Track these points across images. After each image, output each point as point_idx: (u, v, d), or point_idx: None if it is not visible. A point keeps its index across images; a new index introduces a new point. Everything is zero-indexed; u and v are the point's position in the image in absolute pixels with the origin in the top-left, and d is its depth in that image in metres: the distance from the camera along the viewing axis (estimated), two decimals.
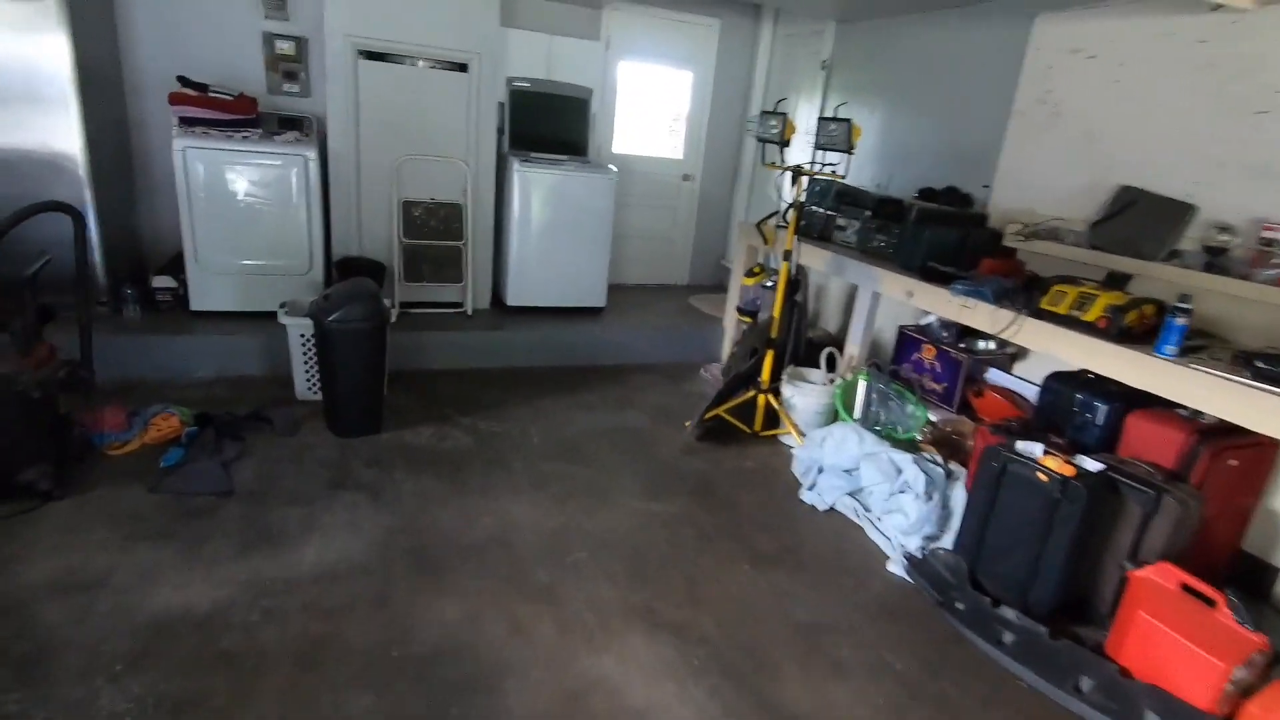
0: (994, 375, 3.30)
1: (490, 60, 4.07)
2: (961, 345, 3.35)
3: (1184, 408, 2.32)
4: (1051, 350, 2.50)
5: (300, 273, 3.82)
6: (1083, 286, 2.49)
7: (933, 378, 3.44)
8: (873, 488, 2.85)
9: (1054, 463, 2.24)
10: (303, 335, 3.25)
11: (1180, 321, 2.17)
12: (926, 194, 3.73)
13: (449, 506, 2.65)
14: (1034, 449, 2.32)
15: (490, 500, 2.72)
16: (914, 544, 2.63)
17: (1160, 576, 2.08)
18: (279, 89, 4.22)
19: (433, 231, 4.13)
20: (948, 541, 2.64)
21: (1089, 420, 2.54)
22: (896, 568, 2.55)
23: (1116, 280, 2.48)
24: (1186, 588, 2.03)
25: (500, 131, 4.41)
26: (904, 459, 2.84)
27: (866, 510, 2.86)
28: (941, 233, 3.16)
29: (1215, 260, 2.51)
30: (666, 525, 2.69)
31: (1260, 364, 2.09)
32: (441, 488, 2.78)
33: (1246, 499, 2.42)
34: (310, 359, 3.28)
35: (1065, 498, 2.18)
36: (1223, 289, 2.42)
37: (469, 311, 4.30)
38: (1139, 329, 2.34)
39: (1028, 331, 2.58)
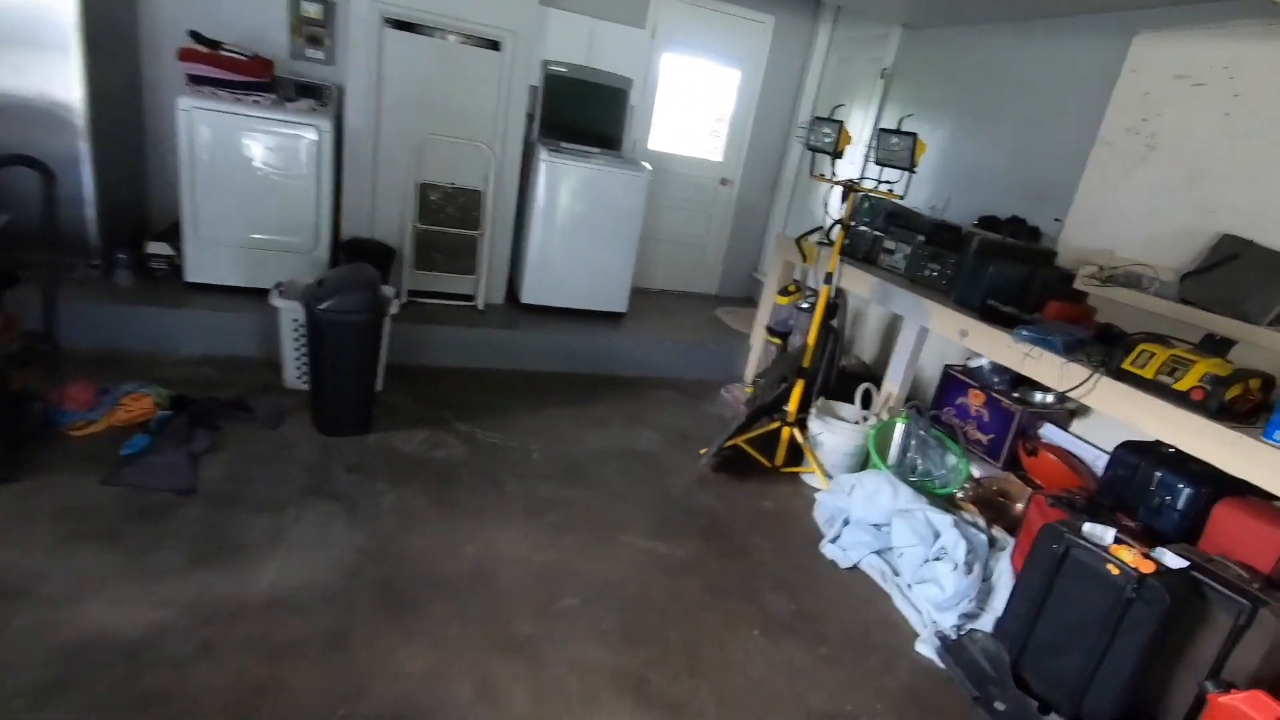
0: (1049, 432, 2.96)
1: (526, 39, 3.79)
2: (1015, 395, 3.02)
3: None
4: (1132, 419, 2.17)
5: (305, 250, 3.58)
6: (1175, 348, 2.15)
7: (978, 427, 3.11)
8: (905, 549, 2.53)
9: (1128, 555, 1.92)
10: (295, 320, 3.00)
11: None
12: (988, 223, 3.39)
13: (430, 529, 2.38)
14: (1104, 535, 2.00)
15: (478, 525, 2.45)
16: (948, 622, 2.32)
17: (1252, 707, 1.75)
18: (302, 54, 3.98)
19: (449, 218, 3.87)
20: (987, 622, 2.32)
21: (1167, 503, 2.21)
22: (927, 648, 2.24)
23: (1216, 345, 2.14)
24: None
25: (530, 117, 4.13)
26: (943, 521, 2.52)
27: (895, 574, 2.55)
28: (1005, 268, 2.82)
29: None
30: (671, 572, 2.40)
31: None
32: (425, 504, 2.51)
33: None
34: (301, 346, 3.04)
35: (1140, 598, 1.86)
36: None
37: (480, 306, 4.03)
38: (1241, 406, 2.00)
39: (1103, 393, 2.25)
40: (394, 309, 3.09)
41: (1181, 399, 2.05)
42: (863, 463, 3.13)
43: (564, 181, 3.98)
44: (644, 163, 4.23)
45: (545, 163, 3.92)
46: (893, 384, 3.26)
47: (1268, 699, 1.74)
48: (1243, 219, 2.45)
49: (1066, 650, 2.00)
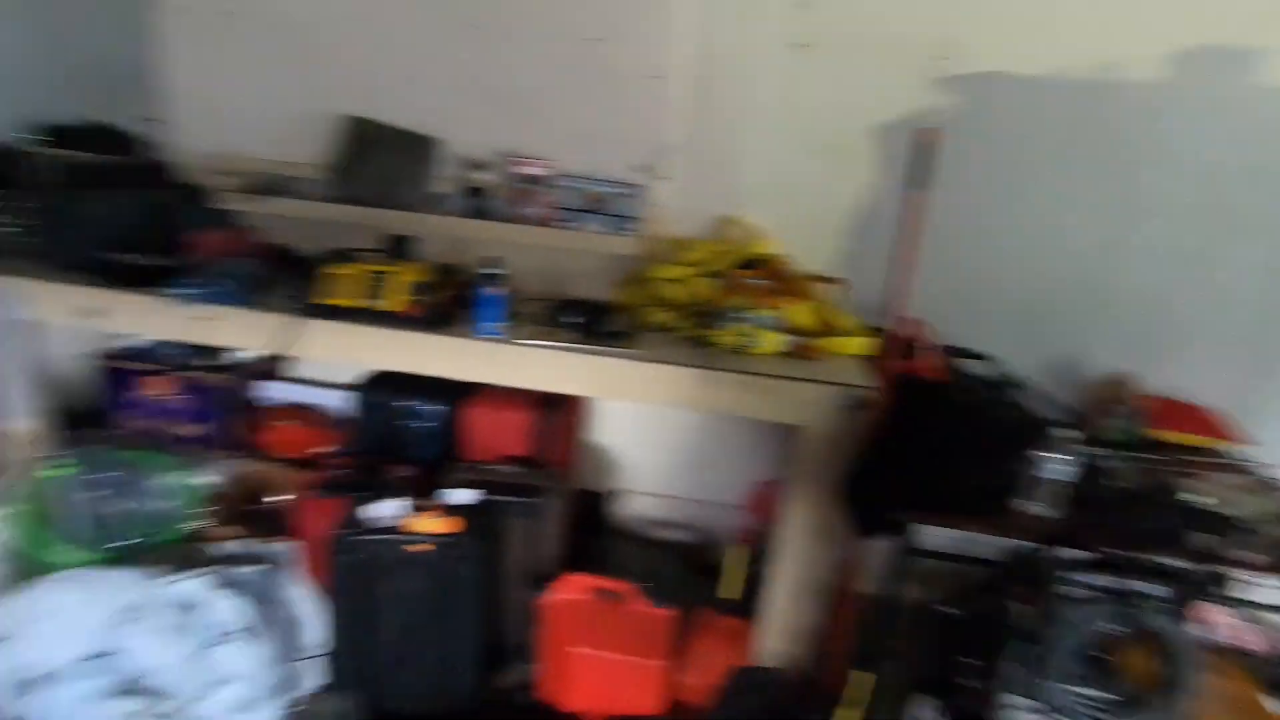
0: (270, 391, 2.39)
1: None
2: (207, 364, 2.28)
3: None
4: (358, 358, 1.81)
5: None
6: (367, 263, 1.81)
7: (183, 419, 2.28)
8: (163, 663, 1.66)
9: (423, 522, 1.62)
10: None
11: (494, 290, 1.75)
12: (58, 137, 2.30)
13: None
14: (383, 512, 1.63)
15: None
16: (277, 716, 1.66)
17: (570, 592, 1.78)
18: None
19: None
20: (316, 669, 1.76)
21: (427, 431, 2.00)
22: None
23: (402, 246, 1.89)
24: (600, 591, 1.79)
25: None
26: (191, 589, 1.72)
27: (166, 698, 1.67)
28: (118, 201, 1.94)
29: (478, 203, 2.19)
30: None
31: (566, 319, 1.87)
32: None
33: (572, 445, 2.36)
34: None
35: (462, 559, 1.61)
36: (493, 235, 2.13)
37: None
38: (449, 307, 1.84)
39: (313, 339, 1.78)
40: None
41: (398, 320, 1.75)
42: (27, 567, 1.92)
43: None
44: None
45: None
46: (19, 419, 2.03)
47: (576, 577, 1.80)
48: (360, 96, 2.19)
49: (416, 654, 1.65)
